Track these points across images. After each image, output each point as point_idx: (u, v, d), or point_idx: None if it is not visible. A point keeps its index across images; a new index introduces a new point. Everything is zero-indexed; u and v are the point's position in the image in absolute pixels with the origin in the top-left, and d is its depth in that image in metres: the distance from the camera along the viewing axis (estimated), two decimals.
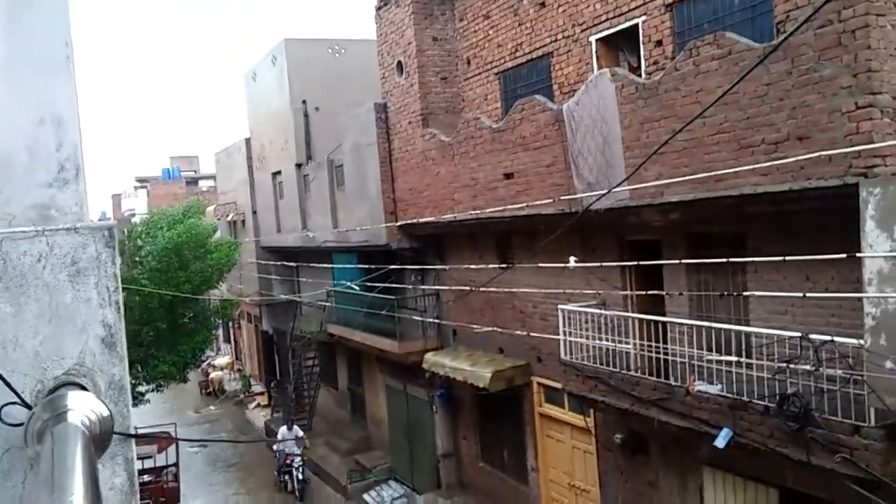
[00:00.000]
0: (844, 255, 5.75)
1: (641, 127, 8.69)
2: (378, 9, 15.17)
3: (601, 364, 9.53)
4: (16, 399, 1.63)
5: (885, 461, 6.23)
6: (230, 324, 33.95)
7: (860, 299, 6.16)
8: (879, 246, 5.83)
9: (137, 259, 21.03)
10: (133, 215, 47.73)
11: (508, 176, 11.43)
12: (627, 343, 9.29)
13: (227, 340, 36.76)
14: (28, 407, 1.64)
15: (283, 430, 18.70)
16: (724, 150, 7.59)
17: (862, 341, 6.07)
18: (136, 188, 60.10)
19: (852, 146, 6.23)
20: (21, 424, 1.61)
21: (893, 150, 6.19)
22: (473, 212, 11.98)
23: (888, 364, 5.77)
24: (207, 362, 32.99)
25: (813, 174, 6.66)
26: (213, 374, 31.34)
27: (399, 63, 14.58)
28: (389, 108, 15.12)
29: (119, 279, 1.89)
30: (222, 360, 33.40)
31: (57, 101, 1.92)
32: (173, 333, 19.89)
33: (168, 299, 18.53)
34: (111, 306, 1.87)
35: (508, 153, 11.36)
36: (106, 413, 1.57)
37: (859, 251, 6.03)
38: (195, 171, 61.33)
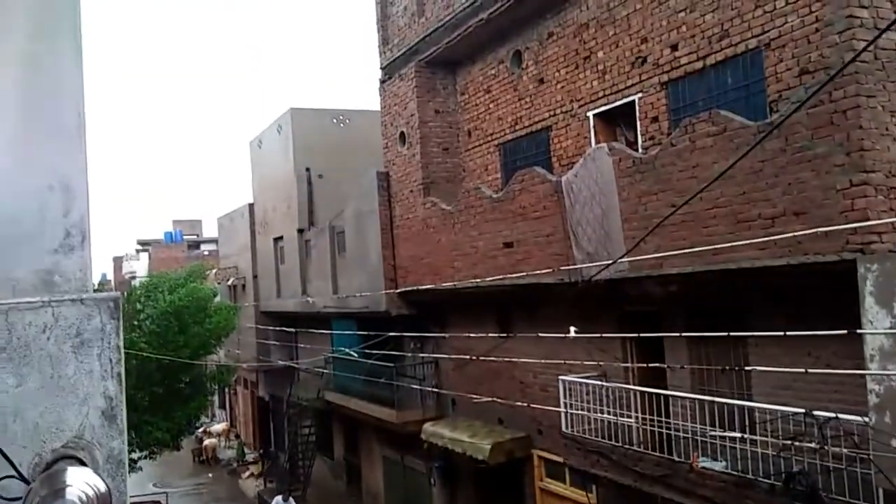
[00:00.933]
0: (845, 331, 5.74)
1: (639, 200, 8.82)
2: (382, 82, 15.67)
3: (603, 438, 9.37)
4: (13, 473, 1.62)
5: None
6: (226, 389, 33.47)
7: (863, 375, 6.12)
8: (879, 322, 5.84)
9: (136, 322, 20.95)
10: (133, 278, 47.77)
11: (508, 245, 11.52)
12: (629, 416, 9.16)
13: (223, 406, 36.15)
14: (26, 482, 1.62)
15: (278, 499, 18.20)
16: (722, 223, 7.68)
17: (866, 418, 6.00)
18: (137, 251, 60.33)
19: (848, 223, 6.31)
20: (18, 499, 1.59)
21: (889, 227, 6.27)
22: (473, 280, 12.02)
23: (895, 443, 5.69)
24: (203, 429, 32.36)
25: (810, 249, 6.73)
26: (207, 442, 30.66)
27: (402, 133, 14.93)
28: (391, 177, 15.39)
29: (122, 351, 1.90)
30: (218, 427, 32.74)
31: (67, 169, 1.94)
32: (169, 399, 19.59)
33: (165, 364, 18.35)
34: (113, 378, 1.87)
35: (508, 223, 11.48)
36: (104, 489, 1.55)
37: (860, 326, 6.02)
38: (198, 235, 61.72)
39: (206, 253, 51.53)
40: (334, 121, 20.94)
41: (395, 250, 15.28)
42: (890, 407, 5.79)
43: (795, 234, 6.70)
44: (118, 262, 64.24)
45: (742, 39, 8.29)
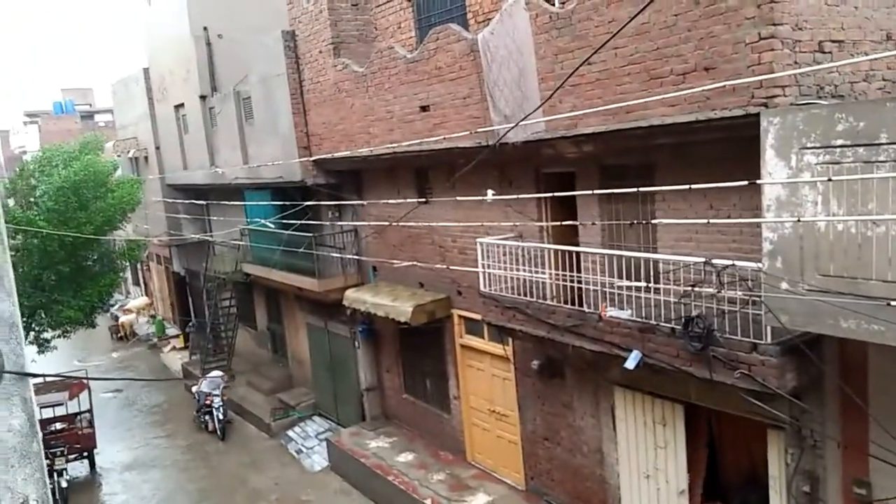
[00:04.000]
0: (746, 183, 6.01)
1: (556, 58, 8.68)
2: None
3: (519, 294, 9.77)
4: None
5: (780, 374, 6.73)
6: (139, 266, 32.68)
7: (759, 225, 6.50)
8: (778, 173, 6.13)
9: (32, 199, 19.74)
10: (24, 153, 44.57)
11: (425, 108, 11.25)
12: (543, 273, 9.54)
13: (137, 283, 35.43)
14: None
15: (214, 376, 18.51)
16: (635, 81, 7.70)
17: (760, 264, 6.44)
18: (25, 124, 55.72)
19: (755, 76, 6.44)
20: None
21: (792, 80, 6.44)
22: (390, 145, 11.79)
23: (783, 285, 6.17)
24: (120, 306, 31.79)
25: (718, 105, 6.87)
26: (124, 318, 30.28)
27: None
28: (298, 36, 14.46)
29: (0, 210, 1.72)
30: (137, 303, 32.22)
31: None
32: (77, 277, 18.98)
33: (69, 241, 17.57)
34: None
35: (424, 85, 11.15)
36: None
37: (760, 179, 6.32)
38: (90, 105, 57.40)
39: (101, 124, 48.24)
40: None
41: (307, 116, 14.68)
42: (781, 253, 6.22)
43: (704, 89, 6.81)
44: (5, 136, 59.51)
45: None
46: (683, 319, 7.38)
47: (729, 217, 7.59)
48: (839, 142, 5.67)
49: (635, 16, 5.98)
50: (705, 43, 6.94)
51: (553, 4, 9.35)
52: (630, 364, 7.94)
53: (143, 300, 32.56)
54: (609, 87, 8.00)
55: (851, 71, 6.76)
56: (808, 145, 5.87)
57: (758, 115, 6.26)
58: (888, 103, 5.49)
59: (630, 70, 7.74)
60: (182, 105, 21.11)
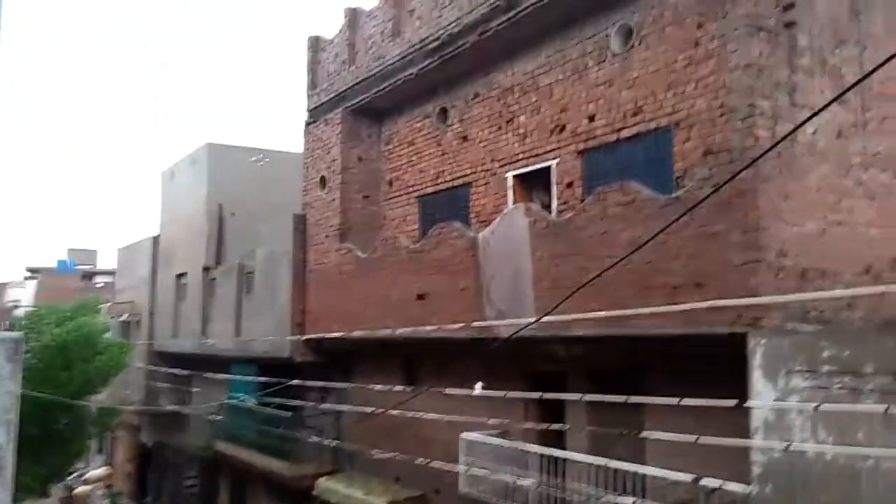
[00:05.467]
0: (733, 405, 5.98)
1: (551, 261, 9.06)
2: (308, 124, 15.61)
3: (500, 499, 9.30)
4: None
5: None
6: (106, 432, 31.23)
7: (748, 446, 6.39)
8: (765, 395, 6.15)
9: None
10: (17, 307, 44.56)
11: (421, 297, 11.50)
12: (527, 477, 9.16)
13: (100, 451, 33.62)
14: None
15: None
16: (627, 290, 7.96)
17: (750, 488, 6.24)
18: (25, 278, 56.32)
19: (741, 297, 6.68)
20: None
21: (777, 303, 6.68)
22: (384, 330, 11.86)
23: None
24: (79, 475, 29.88)
25: (707, 320, 7.06)
26: (79, 490, 28.27)
27: (322, 177, 14.83)
28: (308, 220, 15.17)
29: (17, 398, 1.72)
30: (97, 473, 30.23)
31: None
32: (43, 441, 18.08)
33: (43, 402, 16.97)
34: (2, 426, 1.69)
35: (423, 275, 11.50)
36: None
37: (748, 397, 6.32)
38: (93, 266, 58.46)
39: (99, 285, 48.78)
40: (253, 159, 20.59)
41: (306, 295, 14.94)
42: (772, 478, 6.06)
43: (694, 305, 7.01)
44: (1, 289, 59.82)
45: (654, 117, 8.81)
46: None
47: (721, 432, 7.44)
48: (826, 368, 5.76)
49: (640, 246, 6.33)
50: (695, 261, 7.29)
51: (551, 213, 9.95)
52: None
53: (103, 471, 30.63)
54: (602, 293, 8.24)
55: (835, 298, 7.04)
56: (796, 369, 5.96)
57: (745, 334, 6.41)
58: (871, 335, 5.66)
59: (623, 279, 8.01)
60: (184, 274, 21.55)
